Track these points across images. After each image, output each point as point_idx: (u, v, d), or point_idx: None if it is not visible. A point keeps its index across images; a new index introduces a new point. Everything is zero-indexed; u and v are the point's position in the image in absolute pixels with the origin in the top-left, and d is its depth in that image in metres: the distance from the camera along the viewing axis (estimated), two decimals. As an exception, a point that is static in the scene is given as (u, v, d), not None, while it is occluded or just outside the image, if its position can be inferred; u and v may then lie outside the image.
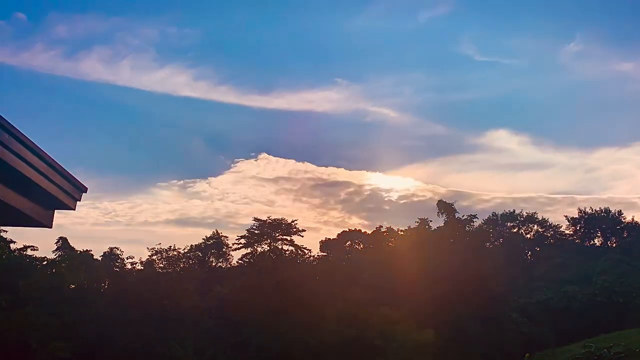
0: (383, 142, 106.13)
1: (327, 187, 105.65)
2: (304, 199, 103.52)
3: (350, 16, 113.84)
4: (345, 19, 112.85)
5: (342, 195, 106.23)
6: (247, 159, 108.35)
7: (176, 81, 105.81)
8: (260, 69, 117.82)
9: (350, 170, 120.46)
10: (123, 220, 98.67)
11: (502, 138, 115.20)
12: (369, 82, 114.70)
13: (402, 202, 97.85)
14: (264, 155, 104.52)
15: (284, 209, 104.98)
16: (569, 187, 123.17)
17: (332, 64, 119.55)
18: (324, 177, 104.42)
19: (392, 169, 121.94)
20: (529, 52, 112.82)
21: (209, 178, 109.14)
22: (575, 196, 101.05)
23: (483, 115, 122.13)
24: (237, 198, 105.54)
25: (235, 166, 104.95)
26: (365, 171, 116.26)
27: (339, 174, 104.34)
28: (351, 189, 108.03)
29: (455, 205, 55.07)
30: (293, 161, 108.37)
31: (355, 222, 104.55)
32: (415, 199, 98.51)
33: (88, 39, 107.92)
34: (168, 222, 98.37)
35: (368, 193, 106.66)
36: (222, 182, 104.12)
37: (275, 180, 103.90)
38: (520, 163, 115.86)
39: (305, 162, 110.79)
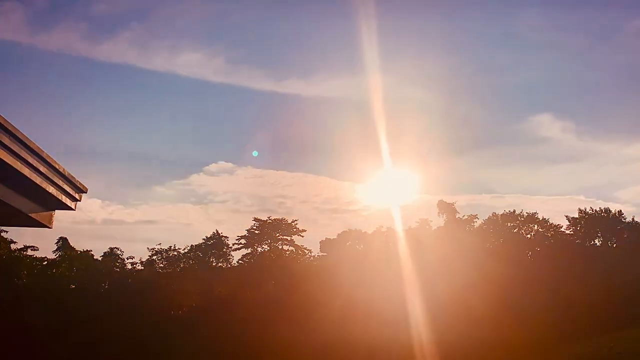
0: (411, 133, 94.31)
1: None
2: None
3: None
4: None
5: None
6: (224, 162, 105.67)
7: (205, 64, 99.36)
8: (299, 53, 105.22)
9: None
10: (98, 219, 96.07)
11: (544, 124, 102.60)
12: (407, 65, 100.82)
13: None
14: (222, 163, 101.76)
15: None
16: (604, 181, 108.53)
17: (373, 45, 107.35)
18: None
19: (416, 165, 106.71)
20: (589, 29, 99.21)
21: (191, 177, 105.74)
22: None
23: (527, 99, 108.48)
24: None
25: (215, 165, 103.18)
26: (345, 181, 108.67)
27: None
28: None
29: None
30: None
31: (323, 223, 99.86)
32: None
33: (121, 17, 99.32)
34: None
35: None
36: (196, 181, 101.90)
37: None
38: (559, 154, 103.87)
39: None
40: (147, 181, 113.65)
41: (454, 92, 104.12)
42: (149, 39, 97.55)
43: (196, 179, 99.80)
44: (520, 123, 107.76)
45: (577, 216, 66.13)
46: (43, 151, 5.27)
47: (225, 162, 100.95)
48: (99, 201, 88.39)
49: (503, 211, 66.52)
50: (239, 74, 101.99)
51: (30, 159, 5.13)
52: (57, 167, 5.61)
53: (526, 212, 66.53)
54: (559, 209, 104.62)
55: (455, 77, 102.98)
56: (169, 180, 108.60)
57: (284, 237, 60.47)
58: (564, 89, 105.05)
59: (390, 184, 70.71)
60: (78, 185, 6.16)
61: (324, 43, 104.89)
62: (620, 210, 65.72)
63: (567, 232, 66.37)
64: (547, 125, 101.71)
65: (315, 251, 63.05)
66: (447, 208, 59.10)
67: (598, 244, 66.57)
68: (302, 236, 60.30)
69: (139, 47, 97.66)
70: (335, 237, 65.55)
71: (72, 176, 5.93)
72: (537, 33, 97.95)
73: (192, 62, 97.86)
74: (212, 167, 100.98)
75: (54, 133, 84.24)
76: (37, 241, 50.69)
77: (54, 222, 6.49)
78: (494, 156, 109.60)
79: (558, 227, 65.84)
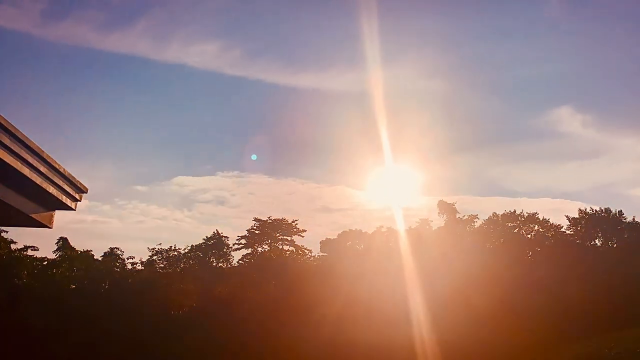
0: (417, 131, 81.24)
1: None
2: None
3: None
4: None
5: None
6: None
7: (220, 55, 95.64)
8: (309, 48, 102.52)
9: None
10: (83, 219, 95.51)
11: (563, 118, 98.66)
12: (415, 59, 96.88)
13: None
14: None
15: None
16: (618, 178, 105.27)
17: (382, 39, 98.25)
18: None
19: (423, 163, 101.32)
20: (618, 15, 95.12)
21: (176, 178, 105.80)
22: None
23: (547, 91, 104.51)
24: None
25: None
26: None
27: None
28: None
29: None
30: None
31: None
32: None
33: (137, 7, 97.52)
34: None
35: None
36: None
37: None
38: (577, 151, 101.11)
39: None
40: (133, 181, 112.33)
41: (468, 87, 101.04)
42: (162, 29, 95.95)
43: (183, 180, 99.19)
44: (537, 117, 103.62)
45: (577, 216, 66.14)
46: (43, 151, 5.27)
47: (218, 163, 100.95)
48: (86, 201, 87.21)
49: (504, 211, 66.40)
50: (247, 66, 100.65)
51: (30, 159, 5.12)
52: (57, 167, 5.60)
53: (526, 212, 66.53)
54: (565, 208, 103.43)
55: (470, 71, 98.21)
56: (155, 180, 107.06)
57: (284, 237, 60.51)
58: (584, 81, 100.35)
59: (392, 184, 70.19)
60: (78, 185, 6.15)
61: (336, 38, 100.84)
62: (621, 210, 65.66)
63: (568, 232, 66.36)
64: (567, 119, 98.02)
65: (315, 251, 63.09)
66: (447, 208, 59.15)
67: (598, 244, 66.53)
68: (302, 236, 60.38)
69: (151, 38, 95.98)
70: (335, 237, 65.61)
71: (72, 176, 5.93)
72: (563, 20, 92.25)
73: (203, 53, 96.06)
74: (203, 168, 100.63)
75: (45, 131, 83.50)
76: (37, 241, 50.69)
77: (54, 222, 6.48)
78: (500, 154, 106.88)
79: (558, 227, 65.81)
